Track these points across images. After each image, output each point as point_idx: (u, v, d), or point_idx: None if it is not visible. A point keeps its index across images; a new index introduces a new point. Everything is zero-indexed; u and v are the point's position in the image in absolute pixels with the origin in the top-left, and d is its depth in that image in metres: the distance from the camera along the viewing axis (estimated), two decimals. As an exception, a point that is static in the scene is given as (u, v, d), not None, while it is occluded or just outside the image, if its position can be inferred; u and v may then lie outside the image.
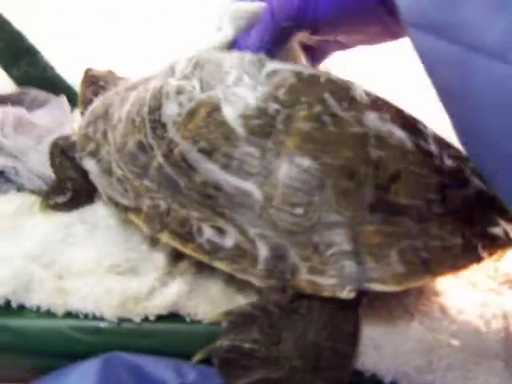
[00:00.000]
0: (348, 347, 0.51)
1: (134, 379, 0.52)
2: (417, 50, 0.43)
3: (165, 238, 0.56)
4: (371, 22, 0.62)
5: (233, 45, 0.68)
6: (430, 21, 0.41)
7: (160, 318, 0.56)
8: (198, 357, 0.52)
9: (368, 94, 0.57)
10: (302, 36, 0.67)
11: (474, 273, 0.61)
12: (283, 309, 0.51)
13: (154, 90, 0.62)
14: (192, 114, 0.57)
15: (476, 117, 0.39)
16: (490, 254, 0.53)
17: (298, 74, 0.58)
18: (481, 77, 0.37)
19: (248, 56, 0.62)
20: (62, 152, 0.69)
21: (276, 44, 0.65)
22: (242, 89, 0.57)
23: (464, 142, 0.43)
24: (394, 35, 0.63)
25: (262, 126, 0.54)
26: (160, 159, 0.57)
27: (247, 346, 0.50)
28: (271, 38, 0.65)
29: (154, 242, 0.61)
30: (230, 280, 0.56)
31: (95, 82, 0.77)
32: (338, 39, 0.69)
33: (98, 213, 0.67)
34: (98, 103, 0.69)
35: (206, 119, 0.56)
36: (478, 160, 0.43)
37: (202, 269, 0.58)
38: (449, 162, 0.55)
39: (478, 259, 0.52)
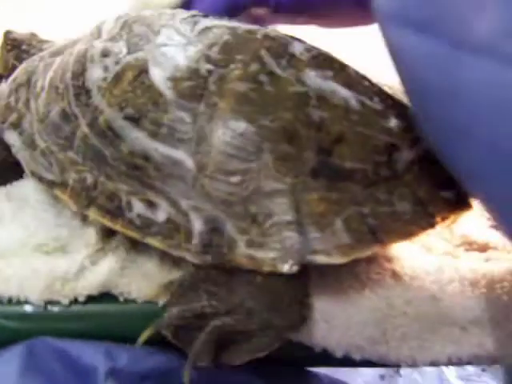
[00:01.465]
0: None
1: (61, 365, 0.49)
2: (391, 46, 0.43)
3: (92, 214, 0.51)
4: (338, 8, 0.59)
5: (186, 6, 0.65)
6: (412, 16, 0.40)
7: (90, 299, 0.52)
8: (145, 334, 0.48)
9: (309, 50, 0.53)
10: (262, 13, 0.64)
11: (428, 236, 0.57)
12: (226, 272, 0.48)
13: (78, 53, 0.57)
14: (118, 78, 0.52)
15: (461, 114, 0.39)
16: (443, 219, 0.50)
17: (233, 30, 0.53)
18: (467, 73, 0.37)
19: (180, 13, 0.57)
20: None
21: (229, 13, 0.63)
22: (172, 48, 0.52)
23: (441, 142, 0.43)
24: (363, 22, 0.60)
25: (193, 88, 0.50)
26: (85, 129, 0.53)
27: (197, 305, 0.47)
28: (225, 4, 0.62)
29: (85, 217, 0.57)
30: (166, 254, 0.52)
31: (17, 46, 0.70)
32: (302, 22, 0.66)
33: (27, 188, 0.62)
34: (20, 70, 0.64)
35: (132, 83, 0.52)
36: (457, 161, 0.43)
37: (137, 243, 0.54)
38: (397, 121, 0.51)
39: (430, 225, 0.49)
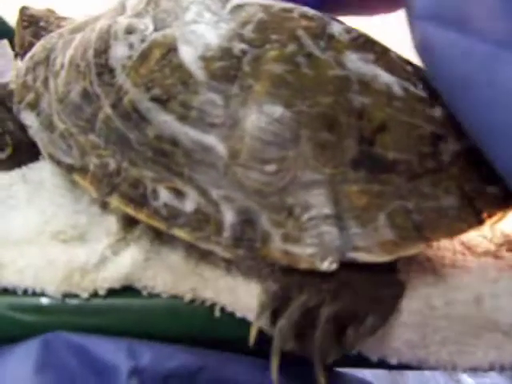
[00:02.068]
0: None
1: (78, 362, 0.46)
2: (426, 44, 0.43)
3: (115, 201, 0.48)
4: None
5: None
6: (452, 15, 0.41)
7: (112, 293, 0.49)
8: (274, 366, 0.43)
9: (348, 31, 0.50)
10: None
11: (468, 233, 0.54)
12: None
13: (101, 30, 0.53)
14: (144, 56, 0.49)
15: (501, 112, 0.39)
16: (490, 216, 0.46)
17: (268, 8, 0.50)
18: (509, 72, 0.38)
19: None
20: (0, 102, 0.60)
21: None
22: (202, 26, 0.49)
23: (479, 140, 0.42)
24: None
25: (226, 68, 0.47)
26: (108, 110, 0.49)
27: (300, 302, 0.43)
28: None
29: (105, 203, 0.53)
30: (193, 245, 0.48)
31: (34, 23, 0.67)
32: None
33: (43, 171, 0.59)
34: (38, 47, 0.60)
35: (160, 62, 0.48)
36: (496, 158, 0.42)
37: (161, 233, 0.50)
38: (442, 110, 0.48)
39: (479, 222, 0.45)
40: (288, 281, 0.44)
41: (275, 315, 0.43)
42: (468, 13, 0.40)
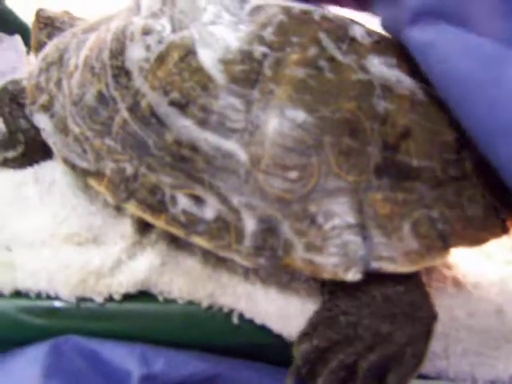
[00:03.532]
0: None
1: (89, 367, 0.46)
2: (425, 43, 0.43)
3: (132, 207, 0.47)
4: None
5: None
6: (454, 12, 0.41)
7: (127, 297, 0.48)
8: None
9: (370, 34, 0.49)
10: None
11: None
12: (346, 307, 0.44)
13: (117, 30, 0.52)
14: (162, 58, 0.48)
15: (503, 110, 0.39)
16: None
17: (288, 10, 0.49)
18: None
19: None
20: (13, 99, 0.59)
21: None
22: (222, 28, 0.48)
23: (482, 139, 0.42)
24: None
25: (247, 72, 0.46)
26: (124, 114, 0.48)
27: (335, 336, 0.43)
28: None
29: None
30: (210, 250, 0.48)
31: (50, 24, 0.66)
32: None
33: (56, 170, 0.58)
34: (51, 47, 0.59)
35: (178, 65, 0.47)
36: (498, 158, 0.41)
37: (177, 237, 0.49)
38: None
39: (503, 231, 0.44)
40: (320, 339, 0.43)
41: (312, 373, 0.42)
42: (470, 10, 0.40)
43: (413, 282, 0.44)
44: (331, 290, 0.45)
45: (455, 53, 0.41)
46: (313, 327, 0.44)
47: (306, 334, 0.43)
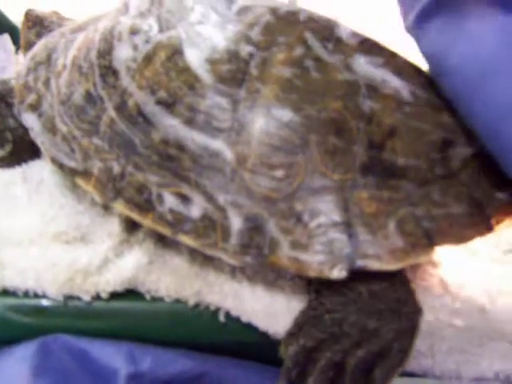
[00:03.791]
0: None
1: (77, 365, 0.46)
2: (439, 34, 0.43)
3: (119, 206, 0.47)
4: None
5: None
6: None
7: (114, 296, 0.48)
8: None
9: (355, 35, 0.49)
10: None
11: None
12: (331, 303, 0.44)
13: (104, 30, 0.52)
14: (149, 58, 0.48)
15: None
16: (498, 223, 0.46)
17: (274, 11, 0.49)
18: None
19: None
20: (1, 98, 0.59)
21: None
22: (209, 28, 0.48)
23: (495, 137, 0.42)
24: None
25: (233, 71, 0.46)
26: (112, 113, 0.48)
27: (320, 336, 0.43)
28: None
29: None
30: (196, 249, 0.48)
31: (39, 24, 0.66)
32: None
33: (44, 170, 0.58)
34: (39, 47, 0.59)
35: (165, 64, 0.47)
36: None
37: (164, 236, 0.49)
38: (451, 115, 0.47)
39: (488, 229, 0.45)
40: (306, 339, 0.43)
41: (302, 374, 0.42)
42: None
43: (398, 278, 0.44)
44: (317, 288, 0.45)
45: (471, 44, 0.41)
46: (298, 327, 0.44)
47: (292, 334, 0.44)
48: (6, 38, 0.81)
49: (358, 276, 0.43)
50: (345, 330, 0.43)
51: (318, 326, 0.43)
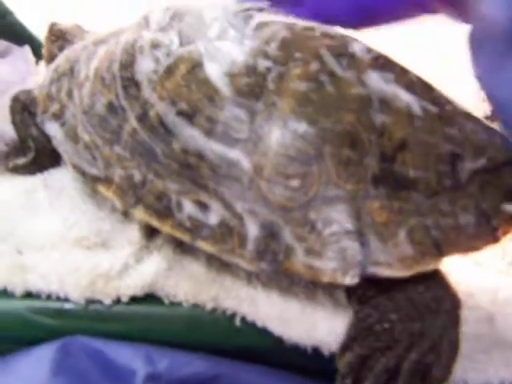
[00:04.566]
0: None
1: (95, 366, 0.47)
2: None
3: (139, 213, 0.49)
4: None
5: None
6: None
7: (134, 300, 0.50)
8: None
9: (369, 51, 0.51)
10: None
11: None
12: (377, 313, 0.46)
13: (127, 43, 0.54)
14: (170, 71, 0.50)
15: None
16: (505, 234, 0.47)
17: (291, 27, 0.51)
18: None
19: (233, 6, 0.54)
20: (24, 108, 0.61)
21: None
22: (227, 43, 0.50)
23: None
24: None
25: (251, 85, 0.48)
26: (133, 123, 0.50)
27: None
28: None
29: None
30: (214, 255, 0.49)
31: (62, 37, 0.69)
32: None
33: (65, 176, 0.60)
34: (62, 59, 0.61)
35: (186, 77, 0.49)
36: None
37: (182, 242, 0.51)
38: (459, 129, 0.49)
39: (494, 239, 0.46)
40: (362, 348, 0.45)
41: (357, 381, 0.44)
42: None
43: (432, 277, 0.46)
44: (359, 301, 0.47)
45: None
46: (352, 339, 0.45)
47: (346, 346, 0.45)
48: (27, 49, 0.83)
49: (395, 285, 0.45)
50: (395, 337, 0.44)
51: (371, 336, 0.45)
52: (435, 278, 0.46)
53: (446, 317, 0.45)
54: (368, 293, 0.46)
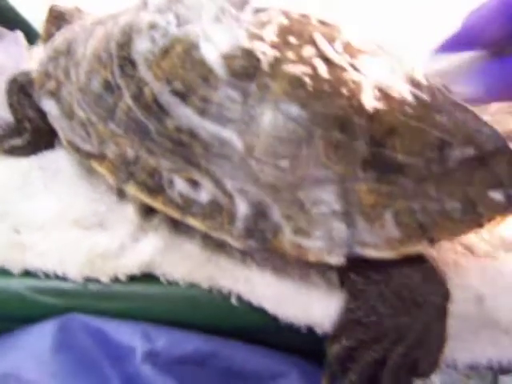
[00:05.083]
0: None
1: (95, 344, 0.48)
2: None
3: (131, 189, 0.50)
4: None
5: None
6: None
7: (132, 279, 0.51)
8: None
9: (363, 39, 0.52)
10: None
11: (468, 235, 0.56)
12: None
13: (124, 24, 0.55)
14: (166, 51, 0.51)
15: None
16: (489, 220, 0.48)
17: (287, 13, 0.52)
18: None
19: None
20: (21, 89, 0.62)
21: None
22: (224, 26, 0.51)
23: None
24: None
25: (246, 67, 0.48)
26: (128, 100, 0.51)
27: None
28: None
29: (122, 192, 0.55)
30: (209, 235, 0.50)
31: (61, 18, 0.70)
32: None
33: (60, 158, 0.61)
34: (60, 37, 0.62)
35: (181, 57, 0.50)
36: None
37: (178, 223, 0.52)
38: (449, 117, 0.49)
39: (479, 225, 0.47)
40: (350, 340, 0.46)
41: (344, 370, 0.45)
42: None
43: (421, 271, 0.47)
44: (350, 292, 0.48)
45: None
46: (340, 330, 0.46)
47: (335, 336, 0.46)
48: (19, 34, 0.83)
49: (384, 278, 0.46)
50: (383, 330, 0.45)
51: (359, 328, 0.46)
52: (425, 272, 0.47)
53: (433, 310, 0.45)
54: (358, 285, 0.47)
